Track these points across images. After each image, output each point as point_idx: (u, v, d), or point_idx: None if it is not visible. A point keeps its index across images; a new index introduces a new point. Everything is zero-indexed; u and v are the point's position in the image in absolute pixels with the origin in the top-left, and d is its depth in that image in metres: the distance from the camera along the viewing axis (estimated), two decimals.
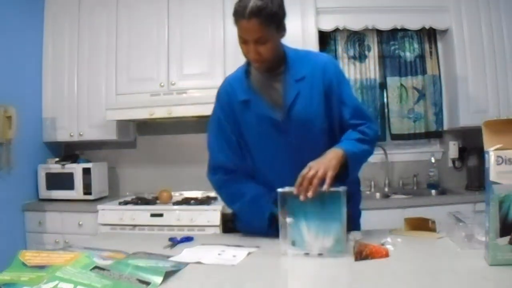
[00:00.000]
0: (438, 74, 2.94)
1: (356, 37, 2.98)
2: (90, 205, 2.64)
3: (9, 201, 2.62)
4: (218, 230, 2.37)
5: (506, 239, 0.92)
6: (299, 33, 2.71)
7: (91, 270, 0.92)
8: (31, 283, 0.87)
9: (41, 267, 0.95)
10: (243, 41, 1.28)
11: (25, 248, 2.58)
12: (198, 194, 2.87)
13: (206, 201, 2.61)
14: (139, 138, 3.19)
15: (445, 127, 2.93)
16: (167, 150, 3.12)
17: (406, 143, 3.01)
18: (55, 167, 2.89)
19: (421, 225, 1.35)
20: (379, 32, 2.95)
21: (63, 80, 2.97)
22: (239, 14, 1.23)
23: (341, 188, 1.15)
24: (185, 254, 1.19)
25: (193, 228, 2.36)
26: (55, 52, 3.00)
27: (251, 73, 1.42)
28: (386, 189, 2.88)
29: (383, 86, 3.00)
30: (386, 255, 1.07)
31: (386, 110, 3.01)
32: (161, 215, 2.48)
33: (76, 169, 2.86)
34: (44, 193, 2.87)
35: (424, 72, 2.95)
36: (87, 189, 2.82)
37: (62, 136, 2.97)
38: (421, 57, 2.96)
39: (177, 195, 2.89)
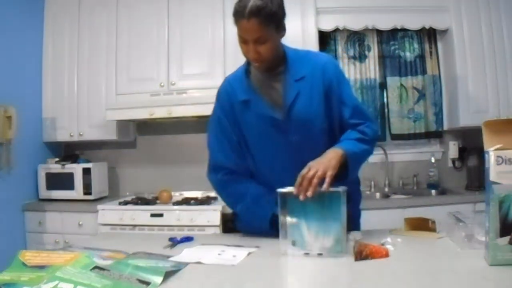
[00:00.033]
0: (438, 74, 2.94)
1: (356, 37, 2.98)
2: (90, 205, 2.64)
3: (9, 201, 2.62)
4: (218, 230, 2.37)
5: (506, 239, 0.92)
6: (299, 33, 2.71)
7: (91, 270, 0.92)
8: (31, 283, 0.87)
9: (41, 267, 0.95)
10: (242, 40, 1.28)
11: (25, 248, 2.58)
12: (198, 194, 2.87)
13: (206, 201, 2.61)
14: (139, 138, 3.19)
15: (445, 127, 2.92)
16: (167, 150, 3.12)
17: (406, 143, 3.01)
18: (55, 167, 2.89)
19: (421, 225, 1.35)
20: (379, 32, 2.95)
21: (63, 80, 2.97)
22: (238, 14, 1.24)
23: (341, 188, 1.15)
24: (185, 254, 1.19)
25: (193, 228, 2.36)
26: (55, 52, 3.00)
27: (251, 72, 1.42)
28: (386, 189, 2.88)
29: (383, 86, 3.00)
30: (386, 255, 1.07)
31: (386, 110, 3.00)
32: (161, 215, 2.48)
33: (76, 169, 2.86)
34: (44, 193, 2.87)
35: (424, 72, 2.95)
36: (87, 189, 2.82)
37: (62, 136, 2.97)
38: (421, 57, 2.95)
39: (177, 195, 2.89)
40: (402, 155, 2.98)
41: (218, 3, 2.77)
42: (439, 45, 2.93)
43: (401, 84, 2.96)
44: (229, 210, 1.60)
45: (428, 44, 2.95)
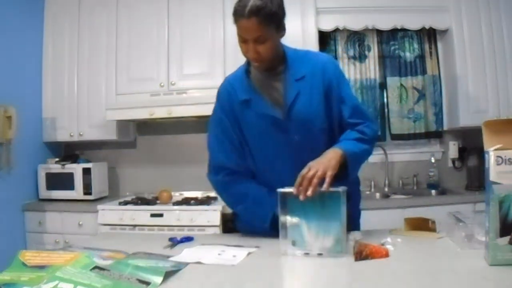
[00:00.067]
0: (438, 74, 2.94)
1: (356, 37, 2.98)
2: (90, 205, 2.64)
3: (9, 201, 2.61)
4: (218, 230, 2.37)
5: (506, 239, 0.92)
6: (299, 33, 2.71)
7: (91, 270, 0.92)
8: (31, 283, 0.87)
9: (41, 267, 0.95)
10: (242, 40, 1.28)
11: (25, 248, 2.58)
12: (198, 194, 2.87)
13: (206, 201, 2.61)
14: (139, 138, 3.19)
15: (445, 127, 2.92)
16: (167, 150, 3.12)
17: (406, 143, 3.01)
18: (55, 167, 2.89)
19: (421, 225, 1.35)
20: (379, 32, 2.95)
21: (63, 80, 2.97)
22: (238, 13, 1.24)
23: (341, 188, 1.15)
24: (185, 254, 1.19)
25: (193, 228, 2.36)
26: (55, 52, 3.00)
27: (251, 72, 1.42)
28: (386, 189, 2.88)
29: (383, 86, 3.00)
30: (386, 255, 1.07)
31: (386, 110, 3.00)
32: (161, 215, 2.48)
33: (76, 169, 2.86)
34: (44, 193, 2.87)
35: (424, 72, 2.95)
36: (87, 189, 2.82)
37: (62, 136, 2.97)
38: (421, 57, 2.95)
39: (177, 195, 2.89)
40: (402, 155, 2.98)
41: (218, 3, 2.77)
42: (439, 45, 2.93)
43: (401, 84, 2.96)
44: (229, 210, 1.60)
45: (428, 44, 2.95)
